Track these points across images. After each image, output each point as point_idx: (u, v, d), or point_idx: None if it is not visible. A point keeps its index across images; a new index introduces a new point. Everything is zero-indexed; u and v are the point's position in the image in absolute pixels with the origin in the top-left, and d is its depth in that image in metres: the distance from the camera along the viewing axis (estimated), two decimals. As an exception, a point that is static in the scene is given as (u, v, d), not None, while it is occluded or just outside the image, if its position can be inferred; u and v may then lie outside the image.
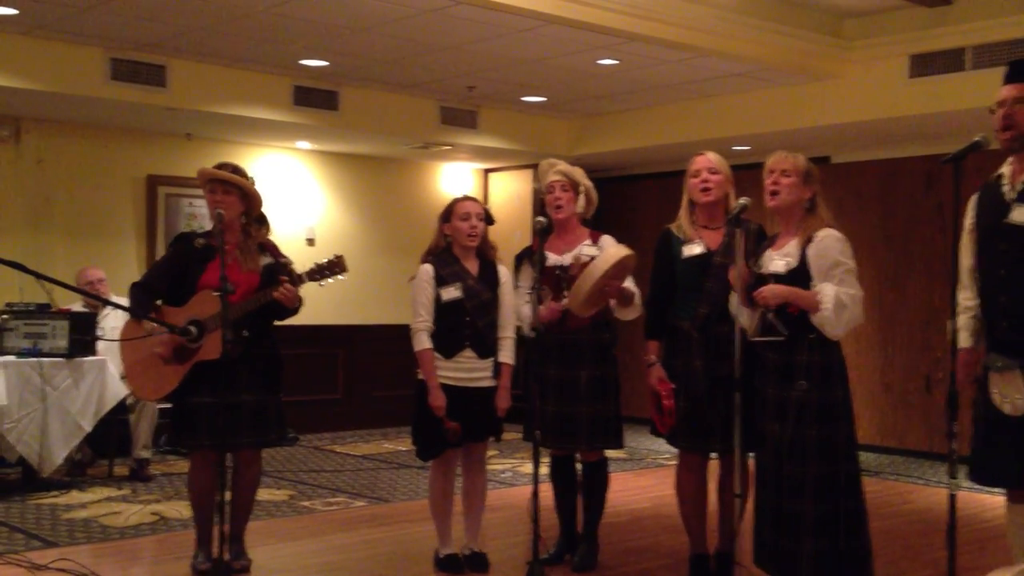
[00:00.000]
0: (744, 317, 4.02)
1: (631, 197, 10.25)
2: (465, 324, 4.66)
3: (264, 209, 4.76)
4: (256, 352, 4.56)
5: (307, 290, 4.61)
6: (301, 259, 4.67)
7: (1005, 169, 3.73)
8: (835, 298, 3.85)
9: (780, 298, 3.93)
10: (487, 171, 10.69)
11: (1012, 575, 3.16)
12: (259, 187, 4.74)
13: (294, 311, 4.58)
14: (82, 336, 6.55)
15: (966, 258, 3.81)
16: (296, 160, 9.44)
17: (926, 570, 4.95)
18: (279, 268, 4.57)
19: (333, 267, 4.52)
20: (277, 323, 4.67)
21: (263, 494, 6.26)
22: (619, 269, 4.56)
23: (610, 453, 4.96)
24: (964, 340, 3.78)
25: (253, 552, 4.84)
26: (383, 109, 8.49)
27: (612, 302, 4.73)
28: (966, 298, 3.82)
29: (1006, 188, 3.68)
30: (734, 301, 4.08)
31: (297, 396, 8.89)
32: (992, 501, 6.28)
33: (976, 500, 6.43)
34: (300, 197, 9.43)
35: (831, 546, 3.87)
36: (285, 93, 7.93)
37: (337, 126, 8.30)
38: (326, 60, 7.38)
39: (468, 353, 4.66)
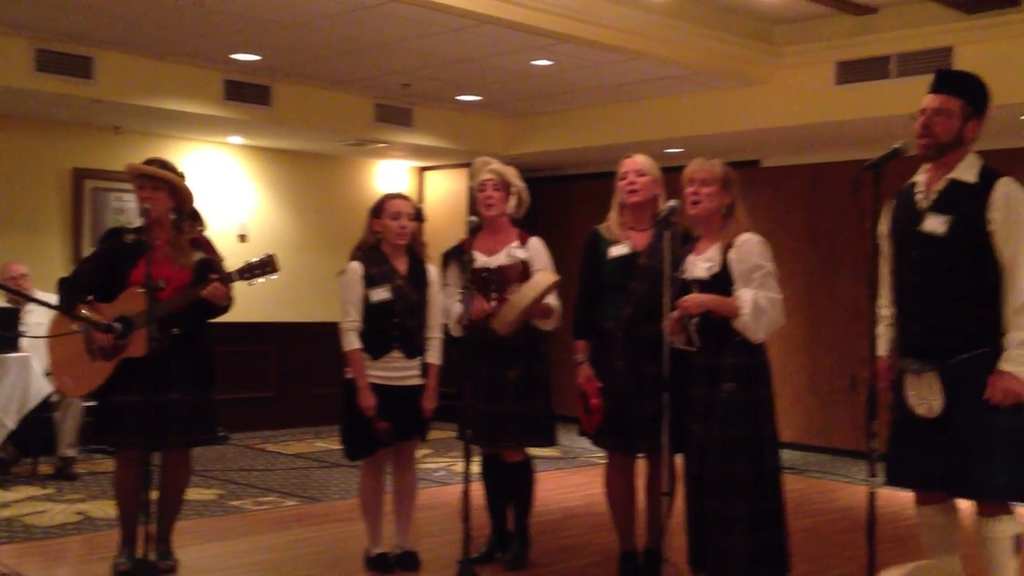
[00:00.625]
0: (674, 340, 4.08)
1: (566, 197, 10.31)
2: (394, 325, 4.66)
3: (195, 205, 4.71)
4: (187, 350, 4.51)
5: (239, 287, 4.57)
6: (233, 255, 4.63)
7: (920, 177, 3.82)
8: (753, 303, 3.92)
9: (702, 307, 4.00)
10: (422, 169, 10.68)
11: (904, 572, 3.27)
12: (190, 182, 4.69)
13: (224, 309, 4.54)
14: (5, 332, 6.42)
15: (884, 265, 3.91)
16: (228, 155, 9.33)
17: (848, 566, 5.06)
18: (210, 265, 4.53)
19: (264, 266, 4.49)
20: (208, 321, 4.63)
21: (191, 493, 6.17)
22: (545, 294, 4.64)
23: (543, 451, 5.00)
24: (881, 348, 3.88)
25: (180, 552, 4.79)
26: (317, 105, 8.43)
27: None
28: (882, 306, 3.91)
29: (920, 196, 3.77)
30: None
31: (228, 394, 8.78)
32: (913, 499, 6.43)
33: (898, 498, 6.56)
34: (232, 193, 9.33)
35: (762, 541, 3.95)
36: (216, 87, 7.83)
37: (269, 121, 8.22)
38: (258, 55, 7.32)
39: (396, 354, 4.67)
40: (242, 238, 9.20)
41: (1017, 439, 3.59)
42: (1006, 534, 3.63)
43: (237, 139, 9.10)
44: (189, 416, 4.53)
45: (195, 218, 4.67)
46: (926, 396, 3.64)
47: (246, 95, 7.98)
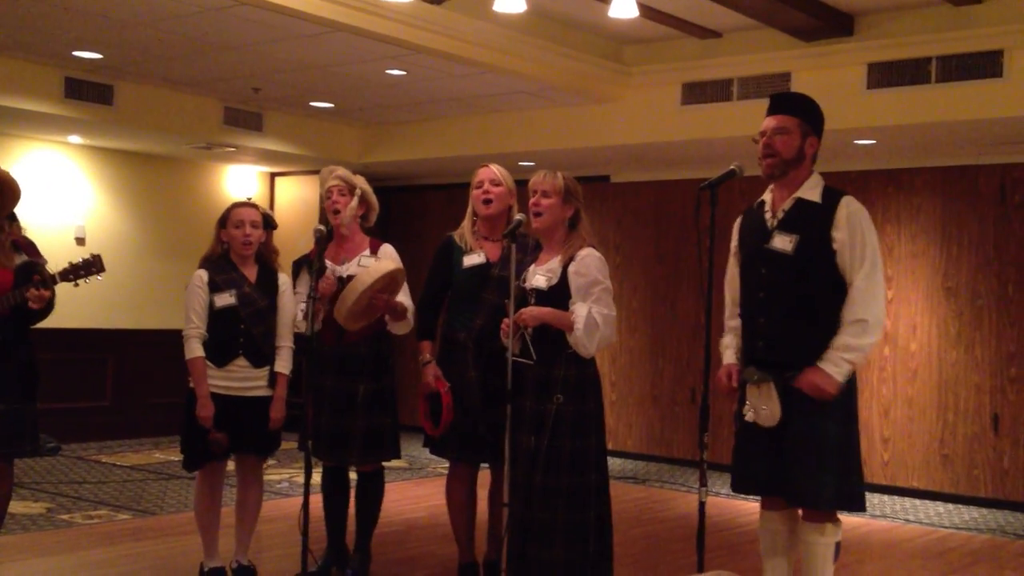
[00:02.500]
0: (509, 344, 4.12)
1: (418, 207, 10.30)
2: (239, 332, 4.57)
3: (30, 206, 4.50)
4: (9, 357, 4.29)
5: (77, 292, 4.39)
6: (69, 258, 4.41)
7: (767, 196, 3.95)
8: (587, 319, 3.97)
9: (538, 320, 4.05)
10: (273, 175, 10.50)
11: None
12: (24, 183, 4.47)
13: (45, 314, 4.34)
14: None
15: (733, 281, 4.04)
16: (66, 155, 8.96)
17: (680, 572, 5.19)
18: (33, 268, 4.32)
19: (89, 266, 4.31)
20: (34, 326, 4.41)
21: (17, 507, 5.92)
22: (386, 283, 4.56)
23: (389, 463, 4.96)
24: (728, 357, 4.00)
25: (3, 568, 4.58)
26: (162, 106, 8.18)
27: (386, 316, 4.75)
28: (730, 317, 4.04)
29: (768, 215, 3.90)
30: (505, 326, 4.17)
31: (61, 403, 8.44)
32: (747, 507, 6.67)
33: (732, 506, 6.81)
34: (70, 194, 8.95)
35: (581, 552, 3.98)
36: (56, 85, 7.52)
37: (111, 121, 7.94)
38: (100, 52, 7.06)
39: (241, 362, 4.57)
40: (80, 241, 8.84)
41: (844, 452, 3.75)
42: (828, 542, 3.78)
43: (76, 139, 8.76)
44: (10, 426, 4.29)
45: (12, 219, 4.45)
46: (762, 405, 3.75)
47: (87, 94, 7.69)
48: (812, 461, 3.69)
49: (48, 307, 4.27)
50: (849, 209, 3.76)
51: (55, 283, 4.24)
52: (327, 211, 4.86)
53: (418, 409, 4.59)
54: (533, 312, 4.04)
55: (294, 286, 4.81)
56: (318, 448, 4.73)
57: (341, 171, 4.88)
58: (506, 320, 4.09)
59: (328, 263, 4.78)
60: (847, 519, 6.38)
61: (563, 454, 3.98)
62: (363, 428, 4.71)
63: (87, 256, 4.34)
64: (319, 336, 4.71)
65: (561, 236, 4.15)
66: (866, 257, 3.71)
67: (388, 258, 4.80)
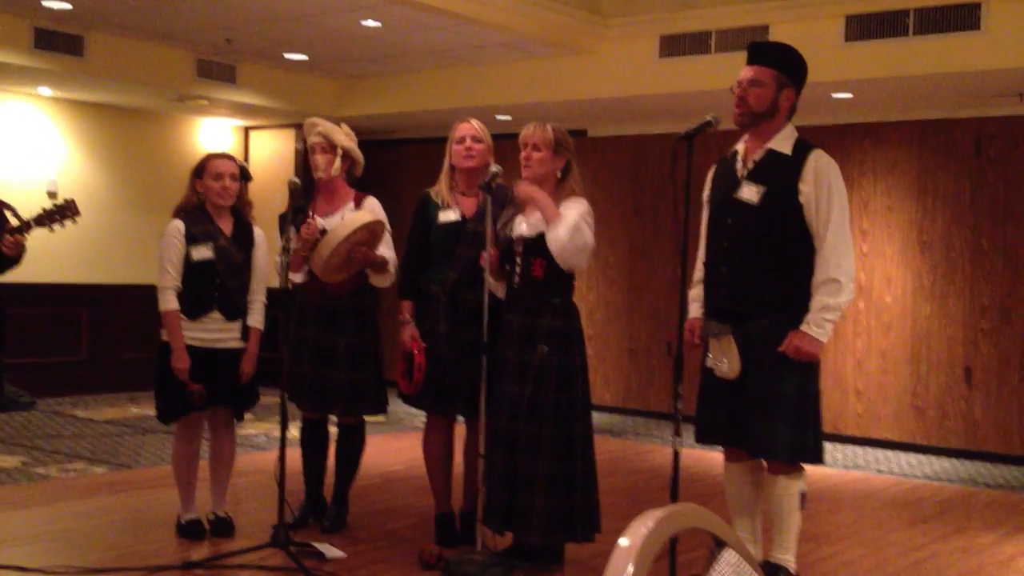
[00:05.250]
0: (493, 284, 4.13)
1: (395, 161, 10.23)
2: (215, 285, 4.54)
3: (0, 159, 4.43)
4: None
5: (51, 247, 4.34)
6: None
7: (740, 147, 3.96)
8: (576, 222, 3.97)
9: (529, 196, 4.05)
10: (247, 128, 10.39)
11: (657, 519, 3.37)
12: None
13: (16, 261, 4.29)
14: None
15: (703, 230, 4.05)
16: (36, 107, 8.83)
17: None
18: (2, 217, 4.26)
19: (64, 211, 4.25)
20: (2, 279, 4.36)
21: (-9, 461, 5.91)
22: (364, 235, 4.55)
23: (367, 416, 4.96)
24: (694, 311, 4.02)
25: (-23, 522, 4.56)
26: (133, 58, 8.06)
27: (367, 268, 4.73)
28: (697, 269, 4.05)
29: (739, 165, 3.91)
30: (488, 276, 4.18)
31: (36, 358, 8.40)
32: (721, 458, 6.71)
33: (706, 457, 6.87)
34: (40, 147, 8.83)
35: (564, 504, 4.01)
36: (24, 35, 7.39)
37: (82, 73, 7.82)
38: (70, 3, 6.93)
39: (215, 315, 4.55)
40: (51, 195, 8.73)
41: (802, 404, 3.79)
42: (791, 491, 3.83)
43: (47, 91, 8.63)
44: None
45: None
46: (723, 357, 3.79)
47: (57, 44, 7.57)
48: (768, 412, 3.74)
49: (20, 255, 4.23)
50: (818, 163, 3.76)
51: (30, 229, 4.19)
52: (311, 166, 4.83)
53: (395, 366, 4.58)
54: (528, 189, 4.06)
55: (281, 242, 4.78)
56: (300, 400, 4.73)
57: (323, 126, 4.82)
58: (484, 253, 4.09)
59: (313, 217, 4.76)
60: (821, 470, 6.45)
61: (547, 404, 4.00)
62: (346, 381, 4.72)
63: (62, 201, 4.29)
64: (304, 288, 4.71)
65: (550, 188, 4.13)
66: (833, 212, 3.72)
67: (369, 211, 4.77)
